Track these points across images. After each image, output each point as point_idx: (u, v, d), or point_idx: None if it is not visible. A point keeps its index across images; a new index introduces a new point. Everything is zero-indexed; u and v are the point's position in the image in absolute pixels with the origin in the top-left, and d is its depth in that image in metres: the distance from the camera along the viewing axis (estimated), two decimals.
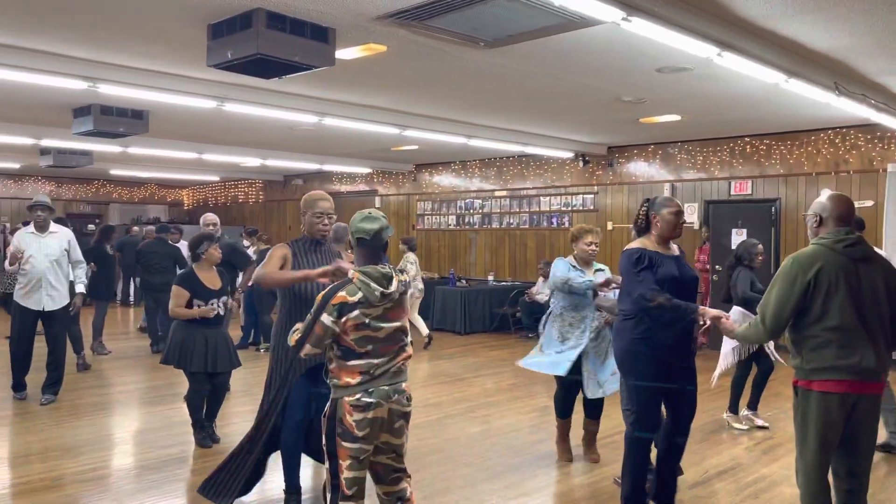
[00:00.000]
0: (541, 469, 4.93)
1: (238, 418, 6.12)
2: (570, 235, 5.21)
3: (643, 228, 3.98)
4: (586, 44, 5.28)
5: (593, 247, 5.11)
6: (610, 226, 11.22)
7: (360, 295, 2.84)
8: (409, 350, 3.06)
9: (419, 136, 9.24)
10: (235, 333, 10.00)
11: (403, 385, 3.01)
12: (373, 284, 2.86)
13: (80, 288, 6.67)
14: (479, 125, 9.16)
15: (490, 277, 12.51)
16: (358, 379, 2.87)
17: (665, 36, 4.49)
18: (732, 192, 10.04)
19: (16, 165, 14.21)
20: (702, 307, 3.78)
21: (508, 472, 4.83)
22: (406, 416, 3.03)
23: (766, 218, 9.78)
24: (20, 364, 6.60)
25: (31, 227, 6.56)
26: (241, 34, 4.63)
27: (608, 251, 11.17)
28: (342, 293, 2.85)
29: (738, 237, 9.56)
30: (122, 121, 7.94)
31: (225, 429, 5.66)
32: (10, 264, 6.36)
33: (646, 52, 5.51)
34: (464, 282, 12.34)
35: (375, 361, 2.90)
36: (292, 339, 2.93)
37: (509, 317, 11.40)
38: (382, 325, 2.90)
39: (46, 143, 10.30)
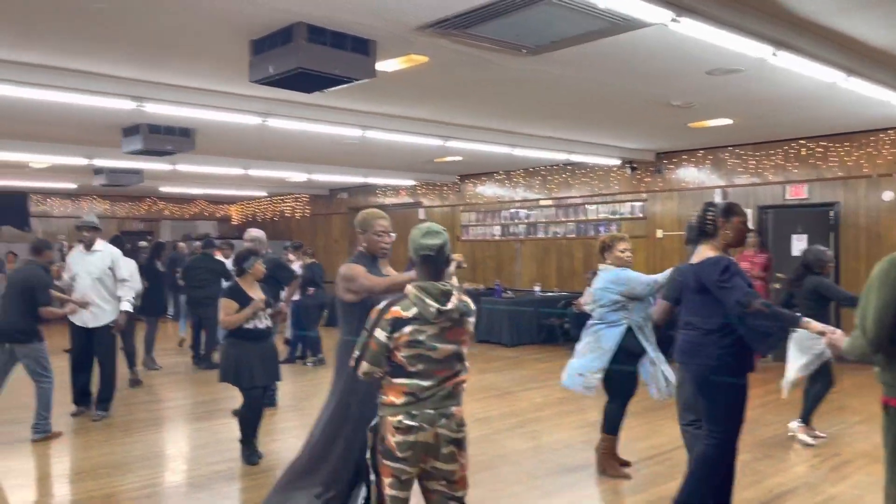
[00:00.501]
0: (593, 487, 4.76)
1: (286, 434, 6.10)
2: (601, 246, 5.13)
3: (707, 234, 3.76)
4: (632, 47, 5.13)
5: (628, 253, 5.03)
6: (660, 233, 10.95)
7: (414, 310, 2.74)
8: (464, 376, 2.89)
9: (462, 146, 9.17)
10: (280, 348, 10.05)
11: (453, 409, 2.83)
12: (428, 300, 2.74)
13: (125, 306, 6.74)
14: (523, 134, 9.04)
15: (536, 288, 12.32)
16: (402, 399, 2.76)
17: (716, 36, 4.32)
18: (787, 197, 9.69)
19: (73, 185, 14.61)
20: (805, 318, 3.50)
21: (560, 490, 4.68)
22: (457, 443, 2.82)
23: (823, 223, 9.40)
24: (74, 377, 6.75)
25: (79, 247, 6.72)
26: (282, 49, 4.63)
27: (657, 259, 10.91)
28: (396, 308, 2.76)
29: (798, 243, 9.22)
30: (170, 139, 8.06)
31: (271, 445, 5.64)
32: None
33: (695, 55, 5.33)
34: (510, 293, 12.19)
35: (423, 383, 2.76)
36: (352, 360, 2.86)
37: (557, 328, 11.19)
38: (438, 345, 2.76)
39: (99, 162, 10.55)
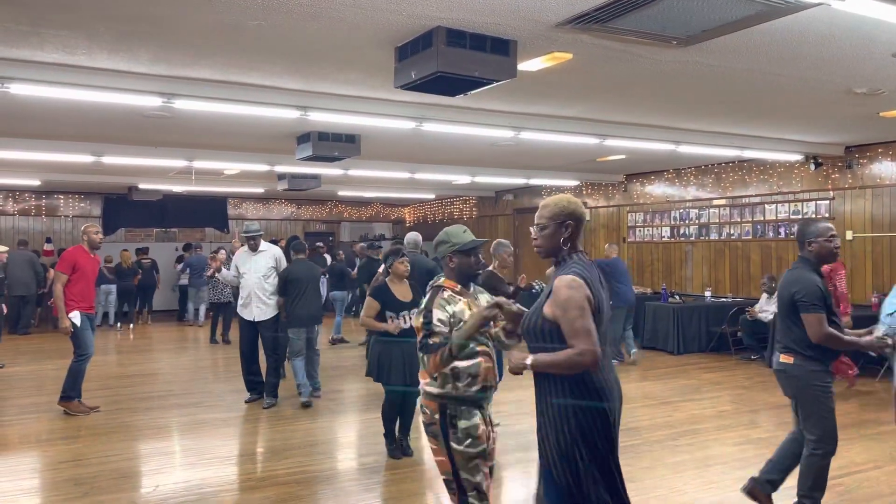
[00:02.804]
0: None
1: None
2: None
3: None
4: (799, 31, 4.66)
5: None
6: (850, 235, 9.89)
7: None
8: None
9: (622, 144, 8.85)
10: None
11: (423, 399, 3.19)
12: None
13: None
14: (687, 129, 8.55)
15: (707, 293, 11.60)
16: None
17: (893, 14, 3.81)
18: None
19: (261, 190, 15.94)
20: None
21: None
22: (431, 428, 3.14)
23: None
24: (245, 368, 7.35)
25: (246, 248, 7.34)
26: (422, 54, 4.72)
27: (849, 263, 9.86)
28: None
29: None
30: (337, 145, 8.52)
31: (418, 441, 5.78)
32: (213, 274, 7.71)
33: (875, 36, 4.74)
34: (677, 297, 11.59)
35: None
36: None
37: (728, 336, 10.47)
38: None
39: (280, 168, 11.41)
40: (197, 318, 14.63)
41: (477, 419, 3.08)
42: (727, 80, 6.05)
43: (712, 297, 11.51)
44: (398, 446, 5.49)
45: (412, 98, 6.37)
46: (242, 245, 7.64)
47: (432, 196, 18.34)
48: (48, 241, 16.17)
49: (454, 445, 3.06)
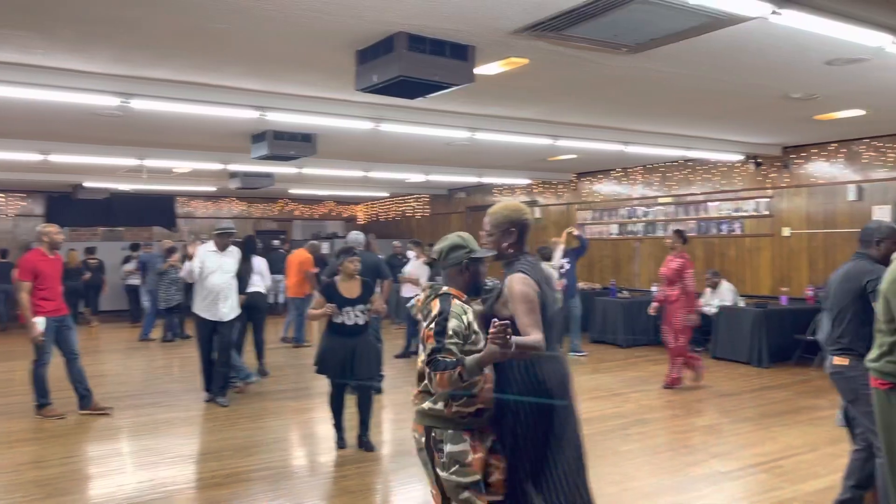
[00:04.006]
0: (694, 491, 4.66)
1: (395, 426, 6.39)
2: None
3: None
4: (739, 41, 4.95)
5: None
6: (787, 232, 10.38)
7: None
8: (415, 390, 2.94)
9: (573, 144, 9.12)
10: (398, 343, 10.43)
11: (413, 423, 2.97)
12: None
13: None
14: (635, 131, 8.87)
15: (654, 288, 11.99)
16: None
17: (825, 27, 4.12)
18: None
19: (212, 188, 15.77)
20: None
21: (655, 494, 4.61)
22: (421, 454, 2.92)
23: None
24: (208, 369, 7.34)
25: (211, 246, 7.27)
26: (384, 58, 4.85)
27: (784, 259, 10.37)
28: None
29: None
30: (293, 144, 8.56)
31: (377, 437, 5.91)
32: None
33: (810, 45, 5.06)
34: (625, 293, 11.96)
35: None
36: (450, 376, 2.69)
37: None
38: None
39: (233, 167, 11.36)
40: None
41: (466, 445, 2.81)
42: (673, 85, 6.34)
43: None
44: (360, 442, 5.62)
45: (371, 99, 6.46)
46: (202, 243, 7.59)
47: (386, 194, 18.42)
48: None
49: (439, 472, 2.82)
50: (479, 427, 2.88)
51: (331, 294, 5.50)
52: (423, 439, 2.86)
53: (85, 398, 6.83)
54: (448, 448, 2.81)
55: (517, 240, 3.03)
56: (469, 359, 2.66)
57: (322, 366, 5.54)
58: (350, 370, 5.44)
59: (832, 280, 4.01)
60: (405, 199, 19.29)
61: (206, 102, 6.32)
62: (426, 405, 2.86)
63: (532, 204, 14.89)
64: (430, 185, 15.72)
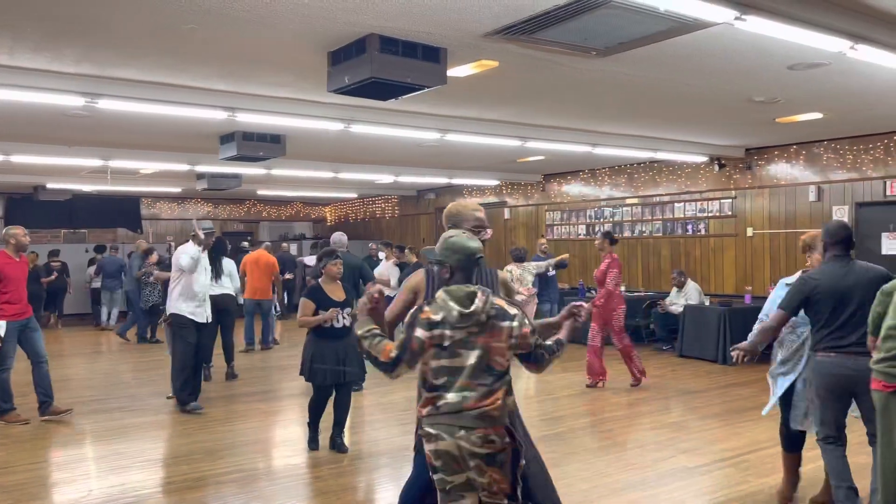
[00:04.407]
0: (660, 487, 4.75)
1: (369, 427, 6.40)
2: (803, 246, 4.50)
3: None
4: (705, 46, 5.07)
5: None
6: (750, 232, 10.61)
7: (441, 314, 2.71)
8: (497, 396, 2.71)
9: (542, 146, 9.22)
10: None
11: (479, 428, 2.68)
12: (452, 303, 2.70)
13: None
14: (603, 133, 9.00)
15: (621, 288, 12.15)
16: (426, 410, 2.75)
17: (787, 32, 4.24)
18: (888, 193, 9.19)
19: (177, 189, 15.57)
20: None
21: (626, 489, 4.69)
22: (483, 458, 2.69)
23: None
24: (194, 376, 7.14)
25: (191, 246, 7.00)
26: (356, 59, 4.86)
27: (748, 258, 10.60)
28: (427, 309, 2.76)
29: (890, 241, 8.77)
30: (262, 145, 8.52)
31: (354, 436, 5.90)
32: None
33: (773, 51, 5.21)
34: (593, 293, 12.08)
35: (448, 396, 2.70)
36: (383, 351, 2.77)
37: (642, 329, 11.04)
38: (464, 351, 2.69)
39: (200, 168, 11.24)
40: (109, 321, 14.19)
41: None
42: (641, 88, 6.46)
43: (626, 291, 12.07)
44: (333, 443, 5.61)
45: (341, 101, 6.47)
46: (186, 242, 7.45)
47: (354, 195, 18.37)
48: None
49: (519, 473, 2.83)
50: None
51: (319, 297, 5.45)
52: (507, 439, 2.74)
53: (45, 404, 6.69)
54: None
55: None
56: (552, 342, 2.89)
57: (312, 374, 5.42)
58: (342, 373, 5.39)
59: (849, 283, 3.83)
60: (374, 201, 19.26)
61: (174, 103, 6.26)
62: (510, 401, 2.79)
63: (500, 205, 14.99)
64: (399, 186, 15.73)
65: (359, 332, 2.85)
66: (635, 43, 4.86)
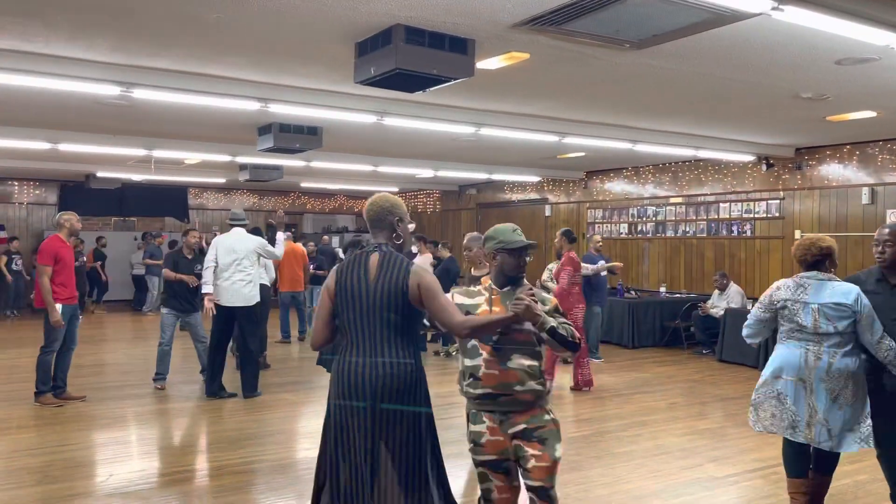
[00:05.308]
0: (685, 496, 4.58)
1: None
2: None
3: None
4: (744, 38, 4.85)
5: None
6: (798, 234, 10.22)
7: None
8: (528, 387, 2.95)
9: (580, 142, 9.03)
10: None
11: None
12: None
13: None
14: (644, 129, 8.77)
15: (662, 289, 11.89)
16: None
17: (828, 24, 4.01)
18: None
19: (222, 180, 15.80)
20: None
21: (646, 497, 4.54)
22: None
23: None
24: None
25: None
26: (382, 50, 4.80)
27: (796, 263, 10.18)
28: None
29: None
30: (299, 137, 8.54)
31: None
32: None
33: (818, 44, 4.95)
34: (633, 293, 11.84)
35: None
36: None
37: (681, 331, 10.76)
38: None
39: (241, 159, 11.36)
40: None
41: (483, 427, 2.97)
42: (680, 83, 6.24)
43: (667, 292, 11.80)
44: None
45: (373, 93, 6.43)
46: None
47: (396, 189, 18.36)
48: (1, 228, 15.83)
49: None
50: (502, 411, 2.96)
51: None
52: None
53: (59, 388, 6.86)
54: (470, 427, 3.03)
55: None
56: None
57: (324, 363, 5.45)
58: None
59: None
60: (416, 195, 19.25)
61: (207, 93, 6.29)
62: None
63: (542, 202, 14.80)
64: (440, 180, 15.65)
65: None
66: (670, 35, 4.68)
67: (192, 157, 11.26)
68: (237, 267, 7.16)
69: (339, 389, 2.83)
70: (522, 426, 2.94)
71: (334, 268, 3.02)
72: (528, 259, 3.06)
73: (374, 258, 2.91)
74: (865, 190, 9.42)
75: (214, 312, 7.09)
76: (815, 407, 3.76)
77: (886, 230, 3.86)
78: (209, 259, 7.17)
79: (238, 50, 5.37)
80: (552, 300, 3.06)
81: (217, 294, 7.08)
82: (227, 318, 7.15)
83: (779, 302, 4.05)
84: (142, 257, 15.15)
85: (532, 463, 2.91)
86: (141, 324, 13.56)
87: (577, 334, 2.98)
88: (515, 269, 3.03)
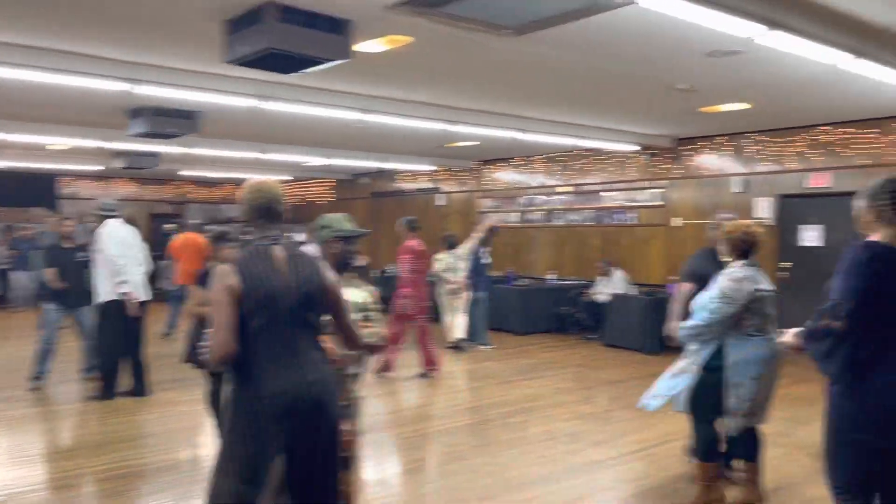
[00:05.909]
0: (567, 481, 4.63)
1: None
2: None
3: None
4: (619, 28, 4.91)
5: None
6: (679, 222, 10.65)
7: None
8: None
9: (470, 131, 9.01)
10: None
11: None
12: None
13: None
14: (530, 118, 8.84)
15: (550, 276, 12.12)
16: None
17: (694, 14, 4.10)
18: (807, 185, 9.30)
19: (98, 167, 14.84)
20: None
21: (527, 485, 4.55)
22: None
23: (846, 213, 8.99)
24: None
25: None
26: (254, 28, 4.54)
27: (674, 247, 10.63)
28: None
29: (808, 234, 8.91)
30: (173, 121, 8.06)
31: None
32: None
33: (689, 36, 5.08)
34: (523, 280, 12.01)
35: None
36: None
37: (569, 317, 11.00)
38: None
39: (114, 145, 10.65)
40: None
41: None
42: (561, 72, 6.29)
43: (556, 279, 12.03)
44: None
45: (250, 74, 6.12)
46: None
47: (289, 177, 17.87)
48: None
49: None
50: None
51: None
52: None
53: None
54: None
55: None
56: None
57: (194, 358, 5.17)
58: None
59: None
60: (310, 184, 18.80)
61: (63, 71, 5.78)
62: None
63: (434, 191, 14.77)
64: (334, 169, 15.31)
65: None
66: (547, 22, 4.65)
67: (56, 141, 10.47)
68: (136, 260, 6.87)
69: (265, 405, 2.54)
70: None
71: (227, 265, 2.65)
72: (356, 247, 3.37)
73: (278, 252, 2.68)
74: (737, 179, 9.91)
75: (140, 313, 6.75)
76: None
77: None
78: (112, 254, 6.65)
79: (98, 25, 4.95)
80: (374, 293, 3.53)
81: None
82: (137, 315, 6.78)
83: (756, 292, 3.88)
84: (6, 250, 14.04)
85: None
86: (8, 321, 12.56)
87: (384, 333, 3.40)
88: (349, 255, 3.36)
